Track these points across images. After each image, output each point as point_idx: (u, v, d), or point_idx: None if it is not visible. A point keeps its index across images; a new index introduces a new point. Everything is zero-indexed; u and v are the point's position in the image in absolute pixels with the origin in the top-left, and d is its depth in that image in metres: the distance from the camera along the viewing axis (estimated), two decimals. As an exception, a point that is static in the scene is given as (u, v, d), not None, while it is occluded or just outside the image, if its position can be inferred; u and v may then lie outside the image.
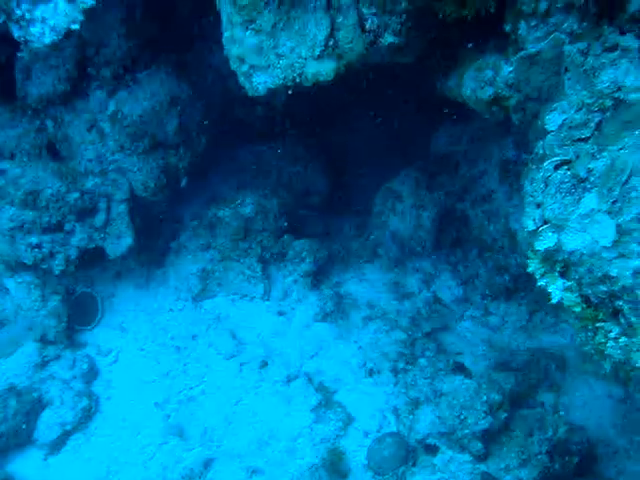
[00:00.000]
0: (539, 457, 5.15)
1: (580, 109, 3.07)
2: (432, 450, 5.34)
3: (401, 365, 6.45)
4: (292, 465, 6.21)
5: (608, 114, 3.00)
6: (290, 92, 3.60)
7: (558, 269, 2.97)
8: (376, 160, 8.25)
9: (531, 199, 3.06)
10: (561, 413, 5.84)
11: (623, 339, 2.77)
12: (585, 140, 3.00)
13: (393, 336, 6.84)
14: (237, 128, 7.82)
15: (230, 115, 7.36)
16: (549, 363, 6.37)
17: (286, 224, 7.48)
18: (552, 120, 3.16)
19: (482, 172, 6.90)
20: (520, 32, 3.41)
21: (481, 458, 5.18)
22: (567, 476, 5.43)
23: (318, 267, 7.42)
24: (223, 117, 7.26)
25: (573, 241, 2.86)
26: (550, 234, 2.94)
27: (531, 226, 3.03)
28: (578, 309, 2.92)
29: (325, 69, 3.44)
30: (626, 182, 2.70)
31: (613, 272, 2.73)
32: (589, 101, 3.06)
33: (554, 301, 2.98)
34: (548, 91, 3.37)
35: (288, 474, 6.15)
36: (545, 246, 2.96)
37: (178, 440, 6.43)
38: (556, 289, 2.95)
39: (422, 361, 5.94)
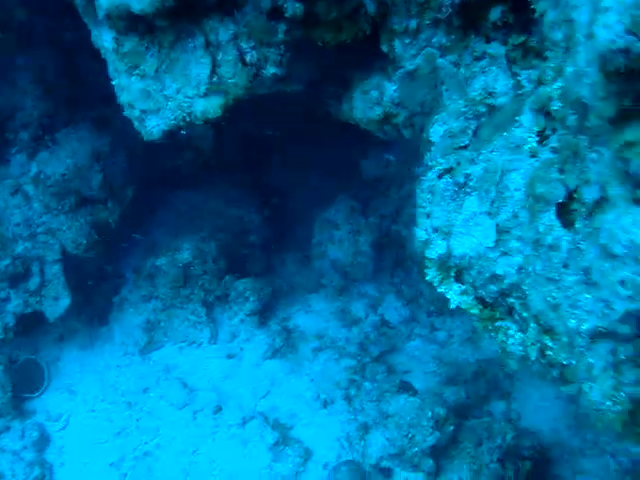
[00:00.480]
0: (491, 466, 5.14)
1: (458, 118, 3.16)
2: (386, 473, 5.30)
3: (353, 392, 6.43)
4: (255, 508, 6.10)
5: (483, 119, 3.09)
6: (184, 132, 3.64)
7: (453, 274, 3.02)
8: (312, 191, 8.33)
9: (421, 210, 3.12)
10: (512, 419, 5.87)
11: (519, 335, 2.82)
12: (465, 147, 3.08)
13: (343, 364, 6.83)
14: (168, 175, 7.84)
15: (157, 163, 7.38)
16: (497, 372, 6.41)
17: (226, 265, 7.46)
18: (435, 131, 3.25)
19: (410, 192, 6.99)
20: (396, 51, 3.52)
21: (434, 474, 5.15)
22: (521, 481, 5.43)
23: (263, 304, 7.40)
24: (150, 166, 7.27)
25: (461, 246, 2.92)
26: (440, 241, 3.00)
27: (423, 236, 3.08)
28: (476, 311, 2.96)
29: (212, 106, 3.50)
30: (499, 182, 2.77)
31: (499, 271, 2.78)
32: (465, 110, 3.16)
33: (452, 306, 3.02)
34: (430, 104, 3.47)
35: (251, 518, 6.04)
36: (436, 254, 3.01)
37: (138, 498, 6.28)
38: (453, 294, 3.00)
39: (367, 384, 5.92)
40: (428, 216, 3.07)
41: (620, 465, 5.90)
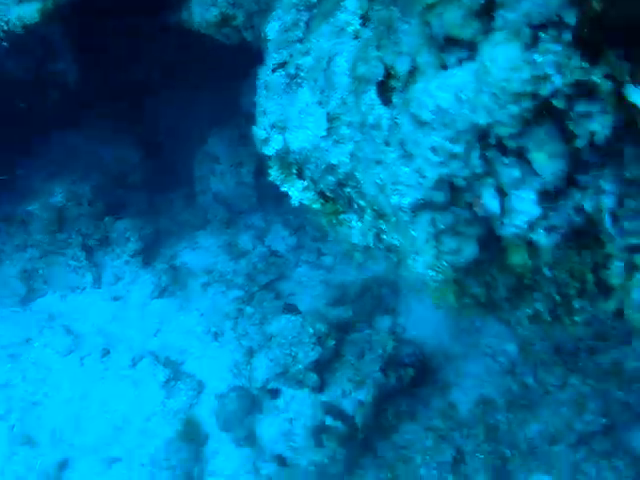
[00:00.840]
0: (373, 375, 5.26)
1: (291, 11, 3.07)
2: (274, 394, 5.34)
3: (241, 320, 6.42)
4: (150, 445, 6.08)
5: (315, 10, 3.01)
6: (6, 44, 3.38)
7: (295, 171, 2.97)
8: (192, 124, 8.09)
9: (259, 108, 3.04)
10: (397, 332, 6.01)
11: (359, 225, 2.81)
12: (300, 41, 3.00)
13: (231, 295, 6.79)
14: (37, 118, 7.40)
15: (19, 104, 6.93)
16: (382, 289, 6.52)
17: (105, 207, 7.21)
18: (271, 28, 3.14)
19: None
20: (228, -54, 3.37)
21: (319, 389, 5.23)
22: (405, 388, 5.60)
23: (146, 244, 7.23)
24: (11, 108, 6.83)
25: (296, 139, 2.86)
26: (277, 137, 2.93)
27: (262, 135, 3.00)
28: (318, 206, 2.93)
29: (29, 11, 3.25)
30: (327, 68, 2.71)
31: (334, 160, 2.74)
32: (297, 1, 3.06)
33: (295, 203, 2.98)
34: (266, 1, 3.35)
35: (147, 455, 6.02)
36: (274, 150, 2.95)
37: (28, 448, 6.14)
38: (295, 191, 2.95)
39: (249, 309, 5.91)
40: (265, 113, 2.99)
41: (501, 366, 6.16)
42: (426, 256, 2.32)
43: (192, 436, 6.04)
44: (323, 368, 5.27)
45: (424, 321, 6.52)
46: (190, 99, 7.94)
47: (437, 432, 5.62)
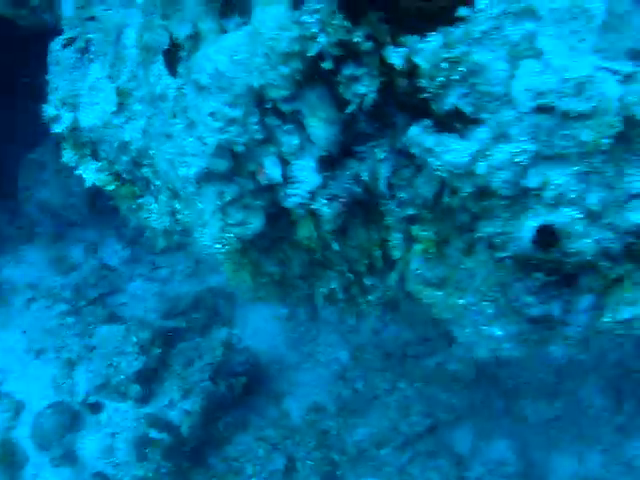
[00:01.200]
0: (202, 384, 5.10)
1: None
2: (95, 408, 5.04)
3: (64, 332, 6.06)
4: (-42, 475, 5.52)
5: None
6: None
7: (89, 152, 2.82)
8: (25, 130, 7.60)
9: (51, 85, 2.87)
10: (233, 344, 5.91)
11: (155, 206, 2.70)
12: (92, 19, 2.87)
13: (56, 310, 6.39)
14: None
15: None
16: (217, 300, 6.40)
17: None
18: (66, 6, 2.99)
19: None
20: None
21: (143, 400, 4.99)
22: (237, 397, 5.49)
23: (-38, 258, 6.65)
24: None
25: (87, 117, 2.71)
26: (67, 114, 2.77)
27: (53, 112, 2.83)
28: (113, 187, 2.80)
29: None
30: (117, 41, 2.61)
31: (127, 137, 2.63)
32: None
33: (88, 184, 2.83)
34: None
35: (-47, 486, 5.46)
36: (63, 127, 2.78)
37: None
38: (89, 172, 2.80)
39: (69, 320, 5.58)
40: (56, 89, 2.82)
41: (333, 373, 6.22)
42: (212, 229, 2.25)
43: (9, 459, 5.57)
44: (148, 378, 5.04)
45: (260, 332, 6.47)
46: (17, 103, 7.47)
47: (269, 441, 5.55)
